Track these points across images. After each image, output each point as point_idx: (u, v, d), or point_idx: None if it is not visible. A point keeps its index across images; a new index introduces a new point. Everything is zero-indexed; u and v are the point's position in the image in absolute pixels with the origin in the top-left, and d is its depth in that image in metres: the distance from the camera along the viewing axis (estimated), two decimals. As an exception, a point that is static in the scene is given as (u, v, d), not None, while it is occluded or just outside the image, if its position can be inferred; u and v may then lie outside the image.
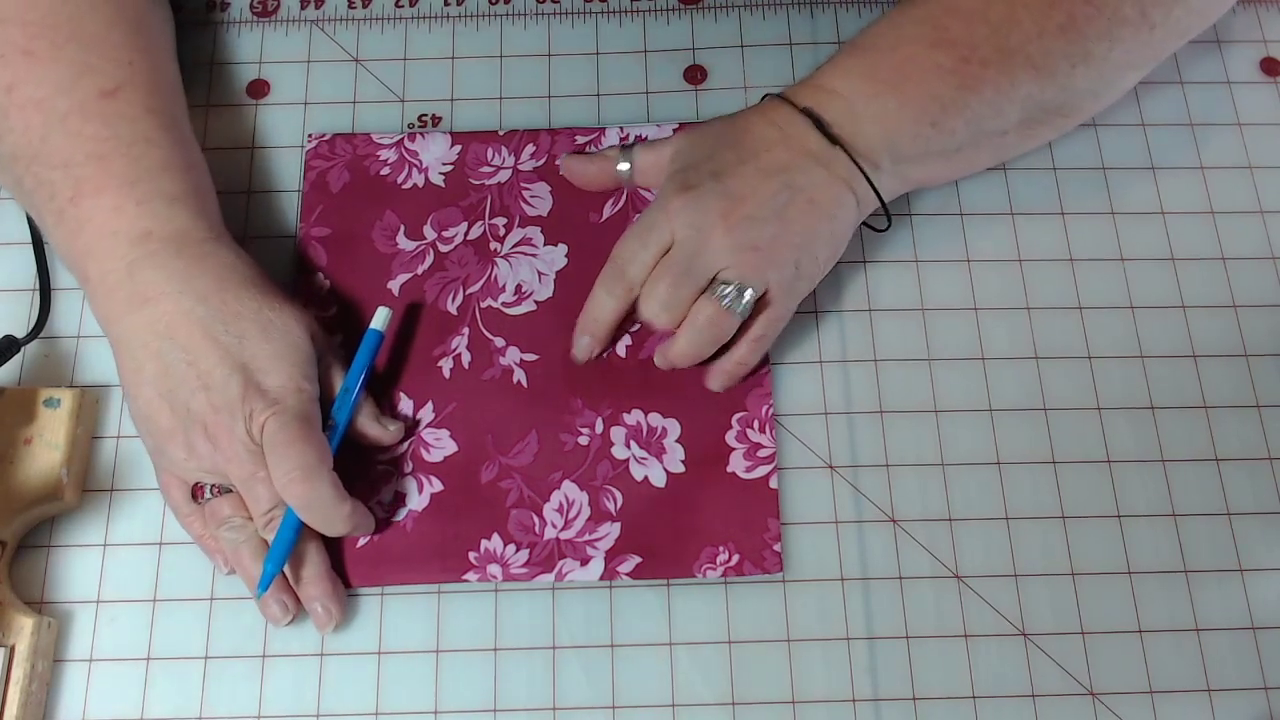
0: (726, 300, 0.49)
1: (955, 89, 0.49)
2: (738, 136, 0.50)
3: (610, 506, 0.51)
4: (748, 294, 0.48)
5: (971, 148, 0.51)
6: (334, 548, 0.50)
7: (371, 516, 0.49)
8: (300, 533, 0.47)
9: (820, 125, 0.49)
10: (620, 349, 0.53)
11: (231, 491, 0.48)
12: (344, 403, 0.49)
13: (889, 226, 0.52)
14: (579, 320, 0.52)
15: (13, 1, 0.49)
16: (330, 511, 0.46)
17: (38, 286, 0.55)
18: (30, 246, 0.55)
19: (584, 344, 0.52)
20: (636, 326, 0.54)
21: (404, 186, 0.57)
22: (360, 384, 0.50)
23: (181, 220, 0.48)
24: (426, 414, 0.52)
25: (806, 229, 0.49)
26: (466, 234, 0.56)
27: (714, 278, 0.49)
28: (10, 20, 0.48)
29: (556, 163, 0.57)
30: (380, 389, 0.53)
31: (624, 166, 0.54)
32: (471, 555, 0.50)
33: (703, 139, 0.51)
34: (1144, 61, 0.52)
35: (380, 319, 0.51)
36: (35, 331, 0.53)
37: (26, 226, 0.55)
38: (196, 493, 0.48)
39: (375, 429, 0.50)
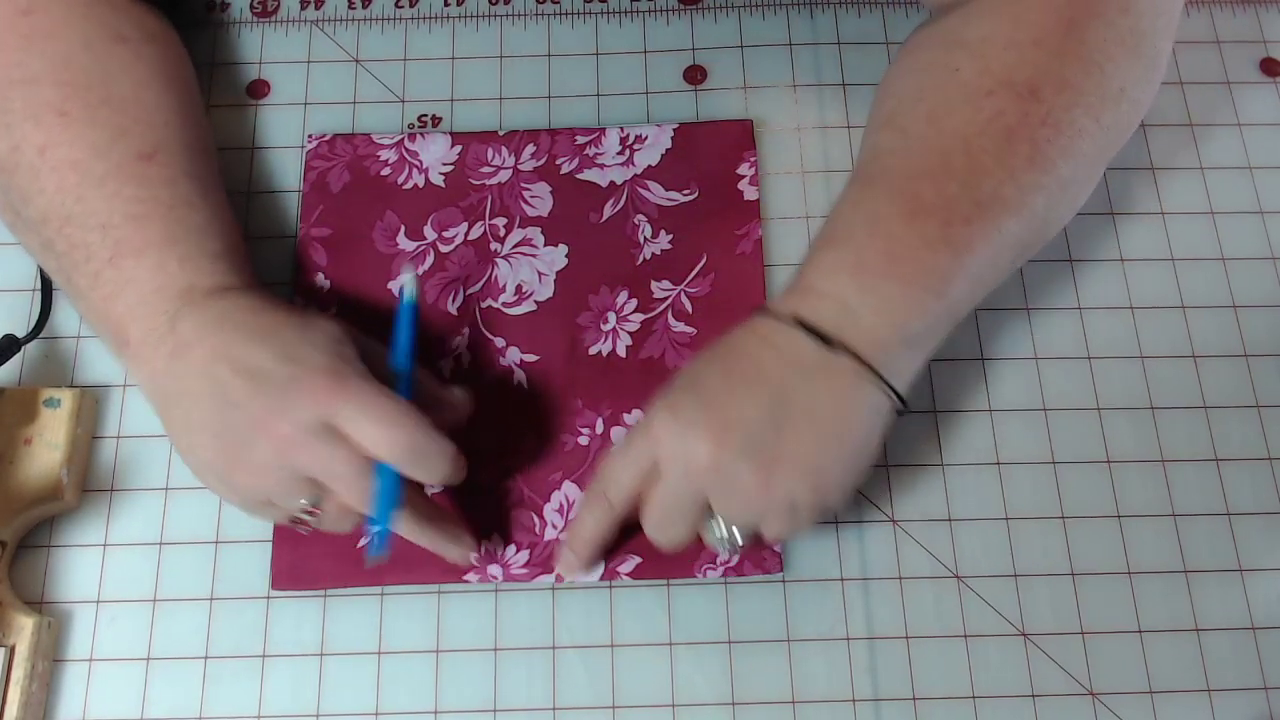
0: (715, 539, 0.46)
1: (950, 257, 0.45)
2: (724, 356, 0.46)
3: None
4: (737, 534, 0.45)
5: (974, 302, 0.48)
6: (336, 547, 0.50)
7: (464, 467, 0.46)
8: (400, 485, 0.44)
9: (813, 332, 0.44)
10: (620, 349, 0.53)
11: (321, 508, 0.45)
12: (402, 381, 0.47)
13: (906, 410, 0.46)
14: (567, 535, 0.49)
15: (44, 61, 0.48)
16: (431, 452, 0.44)
17: (38, 286, 0.55)
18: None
19: (569, 561, 0.49)
20: (635, 326, 0.54)
21: (404, 187, 0.57)
22: (411, 358, 0.47)
23: (223, 276, 0.47)
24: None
25: (809, 452, 0.44)
26: (467, 234, 0.56)
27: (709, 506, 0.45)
28: (42, 80, 0.48)
29: (556, 159, 0.57)
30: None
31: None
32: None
33: (692, 364, 0.47)
34: (1103, 161, 0.50)
35: (409, 287, 0.49)
36: (35, 331, 0.53)
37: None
38: (298, 522, 0.46)
39: (445, 393, 0.49)
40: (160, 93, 0.50)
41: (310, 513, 0.45)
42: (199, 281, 0.46)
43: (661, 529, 0.46)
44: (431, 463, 0.44)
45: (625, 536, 0.50)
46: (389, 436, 0.42)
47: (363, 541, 0.50)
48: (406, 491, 0.45)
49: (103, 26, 0.50)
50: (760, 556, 0.50)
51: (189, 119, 0.51)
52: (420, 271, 0.55)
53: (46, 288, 0.54)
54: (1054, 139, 0.46)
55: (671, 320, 0.54)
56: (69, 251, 0.47)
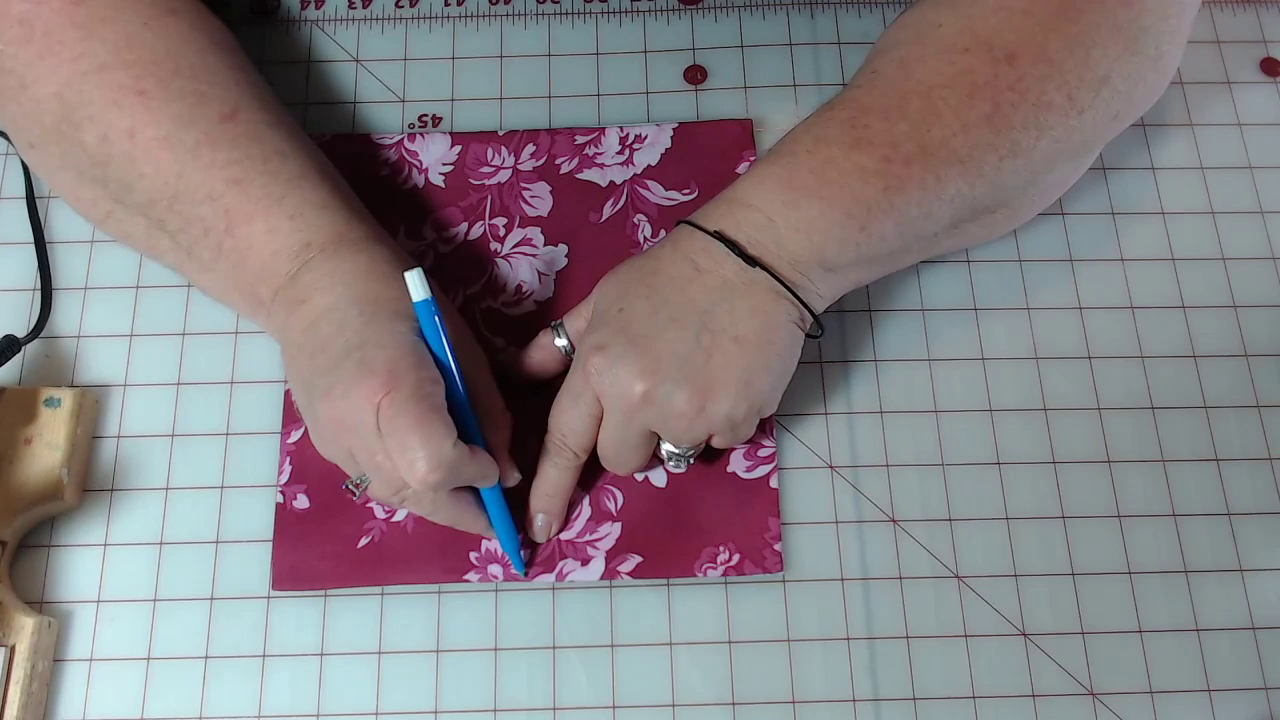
0: (671, 463, 0.48)
1: (880, 191, 0.45)
2: (648, 280, 0.46)
3: (611, 506, 0.51)
4: (689, 451, 0.48)
5: (902, 251, 0.49)
6: (336, 547, 0.50)
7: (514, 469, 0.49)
8: (501, 495, 0.48)
9: (735, 248, 0.45)
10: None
11: (365, 485, 0.46)
12: (450, 384, 0.46)
13: (822, 334, 0.48)
14: (531, 497, 0.49)
15: (108, 46, 0.48)
16: (462, 476, 0.44)
17: (38, 286, 0.55)
18: (32, 246, 0.55)
19: (541, 522, 0.50)
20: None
21: (404, 187, 0.57)
22: (452, 357, 0.46)
23: (337, 224, 0.48)
24: (427, 414, 0.52)
25: (737, 372, 0.45)
26: (466, 234, 0.56)
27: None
28: (111, 65, 0.47)
29: (556, 159, 0.57)
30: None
31: (561, 342, 0.50)
32: (472, 555, 0.50)
33: (615, 285, 0.48)
34: (1074, 150, 0.49)
35: (418, 287, 0.45)
36: (35, 331, 0.53)
37: (28, 225, 0.55)
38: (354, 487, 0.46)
39: (493, 401, 0.49)
40: (223, 56, 0.51)
41: (357, 485, 0.46)
42: (313, 236, 0.47)
43: (617, 461, 0.48)
44: (460, 478, 0.45)
45: (631, 536, 0.50)
46: (409, 471, 0.43)
47: (363, 541, 0.50)
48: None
49: (153, 4, 0.50)
50: (760, 556, 0.50)
51: (255, 77, 0.52)
52: (420, 271, 0.55)
53: (46, 287, 0.54)
54: (1018, 104, 0.46)
55: (671, 320, 0.54)
56: (185, 228, 0.48)
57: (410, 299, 0.45)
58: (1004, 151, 0.47)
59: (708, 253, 0.46)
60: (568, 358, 0.50)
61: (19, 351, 0.51)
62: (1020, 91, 0.46)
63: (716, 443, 0.47)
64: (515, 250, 0.55)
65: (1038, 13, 0.47)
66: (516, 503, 0.49)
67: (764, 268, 0.45)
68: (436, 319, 0.45)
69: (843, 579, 0.50)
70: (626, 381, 0.45)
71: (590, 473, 0.51)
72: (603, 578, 0.50)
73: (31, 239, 0.55)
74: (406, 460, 0.42)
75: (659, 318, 0.45)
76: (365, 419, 0.43)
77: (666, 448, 0.48)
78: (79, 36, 0.48)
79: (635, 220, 0.56)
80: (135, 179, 0.48)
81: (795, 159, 0.47)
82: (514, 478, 0.48)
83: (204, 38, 0.51)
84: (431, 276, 0.54)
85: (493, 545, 0.50)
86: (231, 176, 0.47)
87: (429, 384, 0.44)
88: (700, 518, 0.51)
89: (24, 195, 0.56)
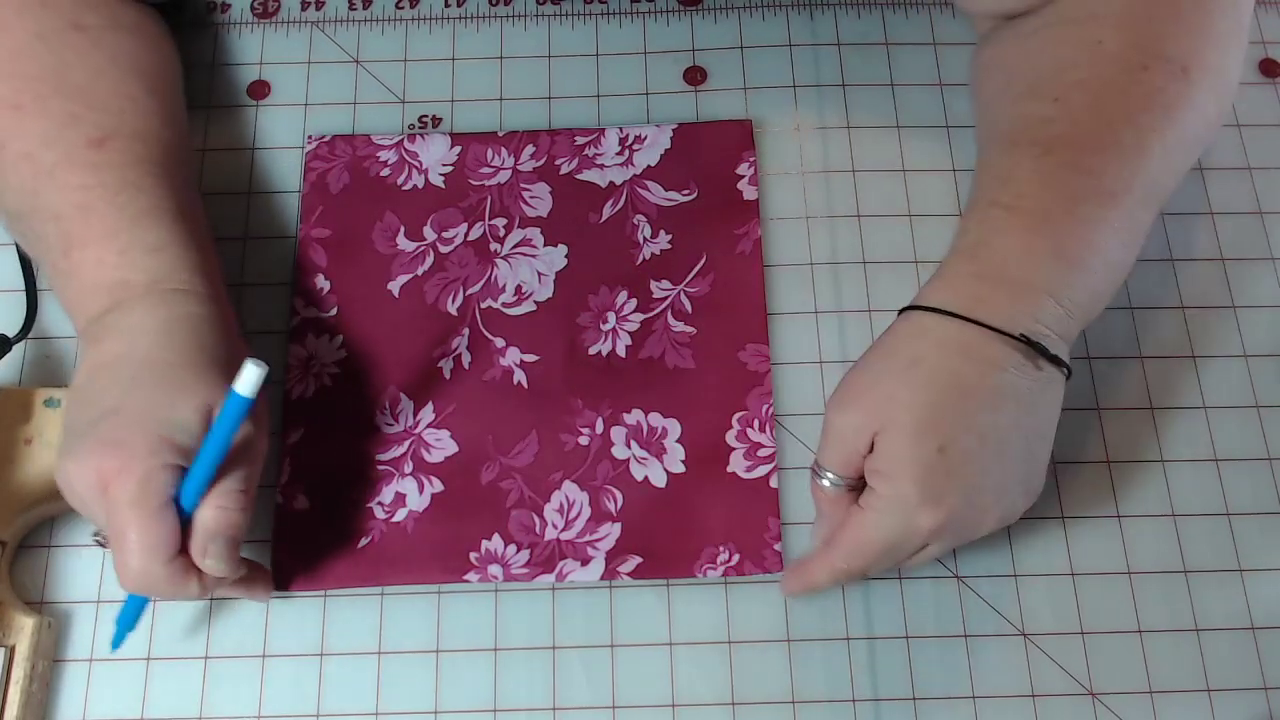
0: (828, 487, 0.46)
1: (1127, 248, 0.46)
2: (961, 403, 0.42)
3: (611, 507, 0.51)
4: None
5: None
6: (336, 547, 0.50)
7: (269, 577, 0.48)
8: (140, 612, 0.47)
9: (1045, 353, 0.43)
10: (620, 349, 0.53)
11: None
12: (190, 481, 0.43)
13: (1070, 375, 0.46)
14: (821, 554, 0.46)
15: (1, 57, 0.48)
16: (162, 591, 0.43)
17: (24, 286, 0.54)
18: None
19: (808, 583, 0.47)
20: (635, 326, 0.54)
21: (404, 188, 0.57)
22: (213, 461, 0.43)
23: (160, 269, 0.47)
24: (427, 414, 0.52)
25: (1034, 473, 0.45)
26: (466, 235, 0.56)
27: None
28: None
29: (556, 160, 0.57)
30: (381, 388, 0.53)
31: (826, 483, 0.46)
32: (472, 555, 0.50)
33: (911, 410, 0.42)
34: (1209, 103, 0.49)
35: (248, 384, 0.42)
36: (24, 332, 0.53)
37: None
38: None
39: (219, 523, 0.43)
40: (118, 80, 0.50)
41: (101, 543, 0.46)
42: (133, 276, 0.46)
43: (873, 569, 0.46)
44: (162, 595, 0.44)
45: (631, 536, 0.50)
46: (117, 564, 0.42)
47: (363, 541, 0.50)
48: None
49: (58, 16, 0.50)
50: (760, 556, 0.50)
51: (151, 106, 0.51)
52: (420, 272, 0.55)
53: (31, 287, 0.54)
54: (1194, 122, 0.47)
55: (671, 320, 0.54)
56: (36, 243, 0.48)
57: (223, 387, 0.42)
58: (1189, 157, 0.48)
59: (1014, 361, 0.43)
60: (841, 494, 0.46)
61: (9, 351, 0.51)
62: (1197, 109, 0.47)
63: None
64: (515, 250, 0.55)
65: (1187, 18, 0.47)
66: (528, 507, 0.49)
67: (1065, 365, 0.44)
68: (235, 421, 0.42)
69: (843, 579, 0.50)
70: (952, 530, 0.43)
71: (591, 472, 0.51)
72: (603, 578, 0.50)
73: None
74: (118, 553, 0.42)
75: (989, 461, 0.42)
76: (92, 494, 0.42)
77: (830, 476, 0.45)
78: None
79: (635, 221, 0.56)
80: (4, 190, 0.48)
81: (1050, 222, 0.44)
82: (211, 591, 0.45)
83: (103, 57, 0.50)
84: (430, 277, 0.54)
85: (493, 545, 0.50)
86: (79, 202, 0.47)
87: (161, 473, 0.42)
88: (700, 518, 0.51)
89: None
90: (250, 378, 0.41)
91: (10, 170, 0.48)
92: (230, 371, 0.42)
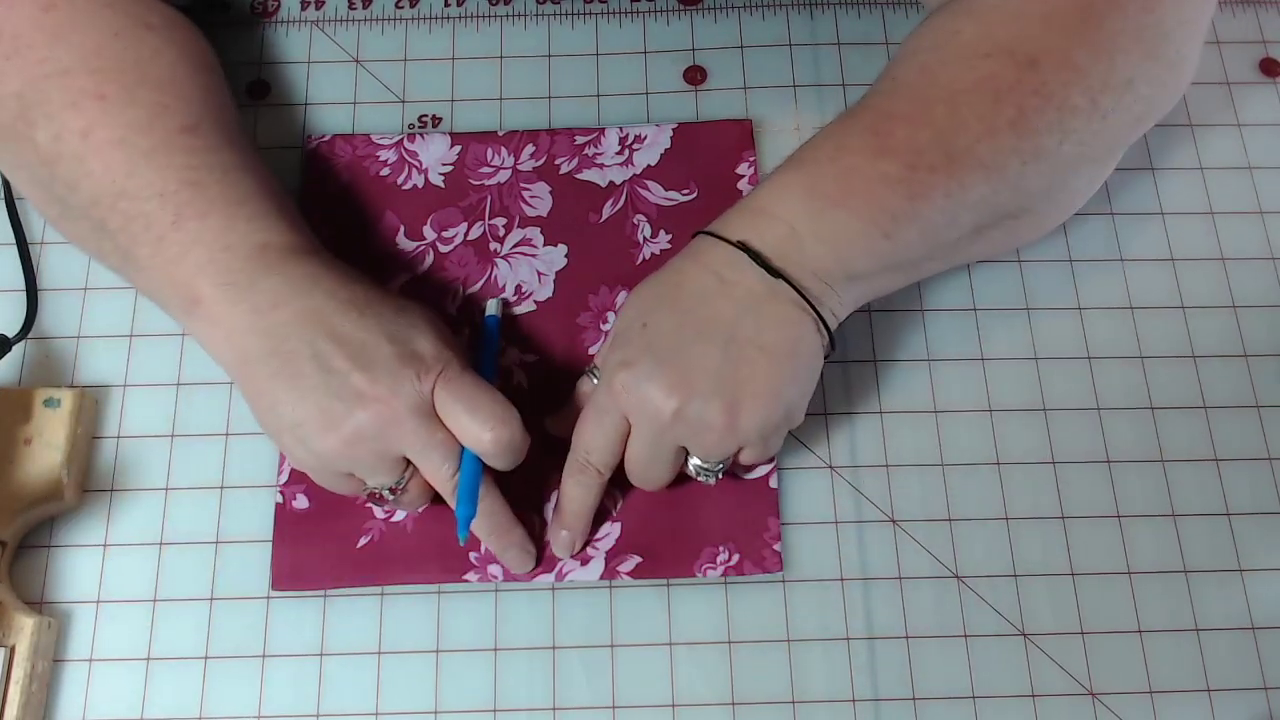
0: (700, 476, 0.47)
1: (905, 199, 0.45)
2: (672, 294, 0.46)
3: (610, 506, 0.51)
4: (718, 465, 0.46)
5: (927, 259, 0.48)
6: (336, 547, 0.50)
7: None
8: (481, 474, 0.46)
9: (759, 259, 0.45)
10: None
11: (404, 487, 0.46)
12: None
13: (833, 351, 0.47)
14: (555, 515, 0.50)
15: (76, 52, 0.48)
16: (522, 448, 0.46)
17: (24, 286, 0.54)
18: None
19: (564, 539, 0.49)
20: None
21: (404, 187, 0.57)
22: (495, 371, 0.51)
23: (293, 235, 0.47)
24: (426, 414, 0.52)
25: (766, 383, 0.44)
26: (466, 234, 0.56)
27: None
28: (75, 70, 0.48)
29: (556, 159, 0.57)
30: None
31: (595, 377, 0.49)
32: (472, 555, 0.50)
33: (638, 302, 0.47)
34: (1098, 154, 0.49)
35: (493, 309, 0.52)
36: (24, 332, 0.53)
37: (11, 228, 0.55)
38: (375, 498, 0.47)
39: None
40: (193, 73, 0.51)
41: (393, 490, 0.46)
42: (272, 239, 0.46)
43: (646, 478, 0.48)
44: (514, 456, 0.46)
45: (631, 536, 0.50)
46: (487, 431, 0.44)
47: (363, 541, 0.50)
48: (488, 490, 0.47)
49: (129, 15, 0.50)
50: (760, 556, 0.50)
51: (223, 99, 0.52)
52: (420, 272, 0.55)
53: (31, 287, 0.54)
54: (1043, 109, 0.46)
55: (671, 320, 0.54)
56: (126, 225, 0.46)
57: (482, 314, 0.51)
58: (1027, 155, 0.46)
59: (732, 264, 0.45)
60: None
61: (8, 351, 0.51)
62: (1044, 96, 0.46)
63: (745, 456, 0.46)
64: (515, 250, 0.55)
65: (1058, 19, 0.46)
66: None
67: (787, 279, 0.45)
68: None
69: (842, 579, 0.50)
70: (657, 398, 0.44)
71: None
72: (602, 578, 0.50)
73: (14, 240, 0.55)
74: (479, 423, 0.44)
75: (685, 332, 0.45)
76: (420, 399, 0.44)
77: (695, 462, 0.47)
78: (46, 40, 0.48)
79: (635, 220, 0.56)
80: (82, 177, 0.47)
81: (818, 166, 0.46)
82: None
83: (177, 53, 0.50)
84: (430, 277, 0.54)
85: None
86: (188, 179, 0.47)
87: (469, 367, 0.46)
88: (700, 518, 0.51)
89: (2, 197, 0.56)
90: (494, 305, 0.52)
91: (95, 156, 0.47)
92: (387, 301, 0.47)
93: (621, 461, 0.48)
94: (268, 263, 0.46)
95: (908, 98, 0.47)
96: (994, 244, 0.50)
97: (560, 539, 0.49)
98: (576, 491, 0.48)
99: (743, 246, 0.45)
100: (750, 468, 0.51)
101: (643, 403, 0.44)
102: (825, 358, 0.47)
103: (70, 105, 0.47)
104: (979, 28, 0.48)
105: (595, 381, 0.48)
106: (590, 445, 0.47)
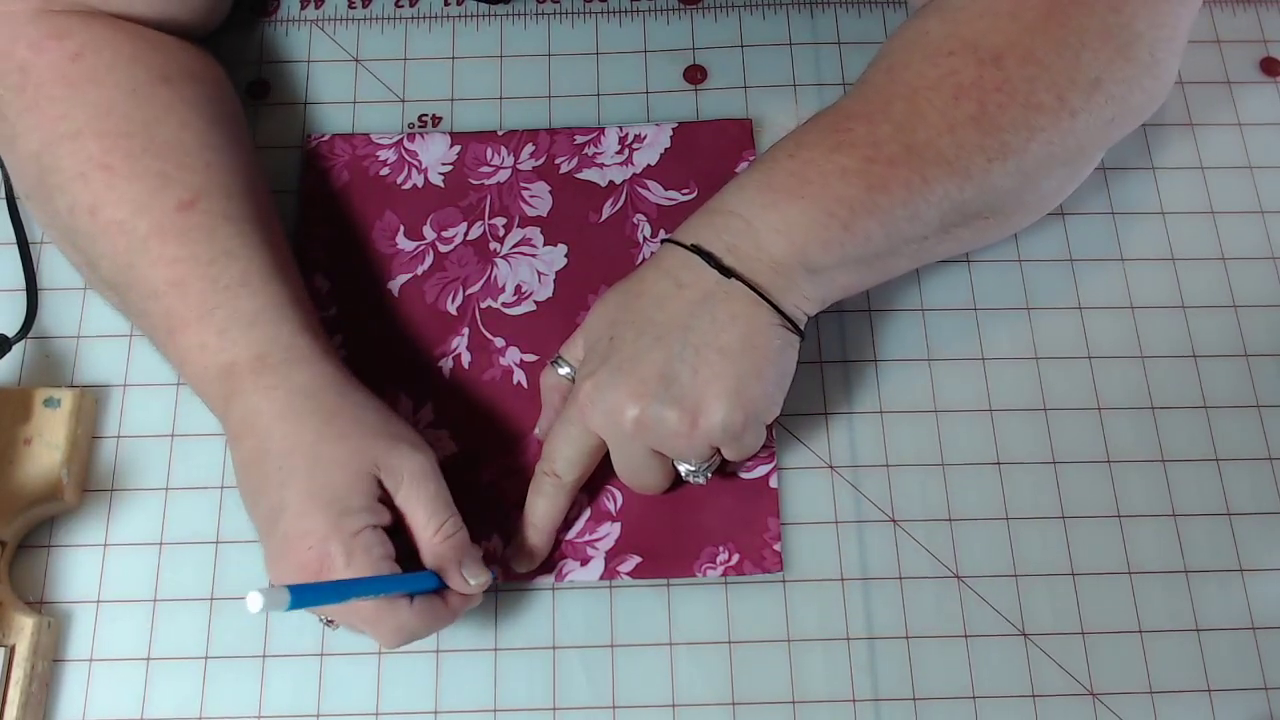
0: (690, 477, 0.47)
1: (863, 190, 0.45)
2: (633, 303, 0.46)
3: (610, 506, 0.51)
4: (703, 466, 0.47)
5: (891, 254, 0.47)
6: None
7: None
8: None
9: (710, 259, 0.45)
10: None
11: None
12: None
13: (803, 339, 0.47)
14: (524, 524, 0.49)
15: (87, 112, 0.48)
16: (445, 620, 0.46)
17: (24, 286, 0.54)
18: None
19: (530, 550, 0.49)
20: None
21: (403, 187, 0.57)
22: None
23: (260, 343, 0.46)
24: (426, 414, 0.52)
25: (725, 382, 0.44)
26: (466, 234, 0.56)
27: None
28: (85, 133, 0.48)
29: (555, 159, 0.57)
30: (380, 388, 0.52)
31: (564, 371, 0.49)
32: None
33: (604, 312, 0.47)
34: (1069, 154, 0.48)
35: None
36: (23, 331, 0.52)
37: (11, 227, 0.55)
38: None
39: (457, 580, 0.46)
40: (203, 132, 0.50)
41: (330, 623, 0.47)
42: (237, 357, 0.46)
43: (638, 484, 0.49)
44: (427, 634, 0.45)
45: (631, 536, 0.50)
46: (387, 635, 0.44)
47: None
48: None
49: (149, 70, 0.50)
50: (760, 556, 0.50)
51: (233, 157, 0.51)
52: (420, 271, 0.55)
53: (33, 287, 0.54)
54: (1006, 105, 0.46)
55: (671, 320, 0.54)
56: (140, 318, 0.49)
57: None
58: (993, 153, 0.46)
59: (687, 267, 0.45)
60: (568, 385, 0.49)
61: (8, 351, 0.51)
62: (1007, 92, 0.46)
63: (726, 455, 0.46)
64: (515, 250, 0.55)
65: (1024, 16, 0.46)
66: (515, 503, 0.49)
67: (738, 276, 0.45)
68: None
69: (843, 579, 0.50)
70: (616, 408, 0.44)
71: (593, 473, 0.51)
72: (602, 578, 0.50)
73: (15, 239, 0.55)
74: (371, 626, 0.44)
75: (644, 340, 0.45)
76: (346, 553, 0.43)
77: (681, 465, 0.47)
78: (65, 95, 0.48)
79: (635, 220, 0.56)
80: (98, 257, 0.48)
81: (776, 163, 0.47)
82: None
83: (189, 111, 0.50)
84: (430, 277, 0.54)
85: (492, 545, 0.50)
86: (173, 277, 0.46)
87: (361, 537, 0.43)
88: (700, 518, 0.51)
89: (3, 196, 0.56)
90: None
91: (103, 238, 0.47)
92: (356, 416, 0.45)
93: (608, 470, 0.48)
94: (232, 389, 0.46)
95: (870, 96, 0.48)
96: (963, 242, 0.50)
97: (525, 550, 0.49)
98: (541, 502, 0.48)
99: (695, 249, 0.45)
100: (745, 465, 0.51)
101: (606, 414, 0.45)
102: (801, 341, 0.47)
103: (79, 176, 0.47)
104: (946, 26, 0.48)
105: (559, 372, 0.49)
106: (555, 455, 0.48)
